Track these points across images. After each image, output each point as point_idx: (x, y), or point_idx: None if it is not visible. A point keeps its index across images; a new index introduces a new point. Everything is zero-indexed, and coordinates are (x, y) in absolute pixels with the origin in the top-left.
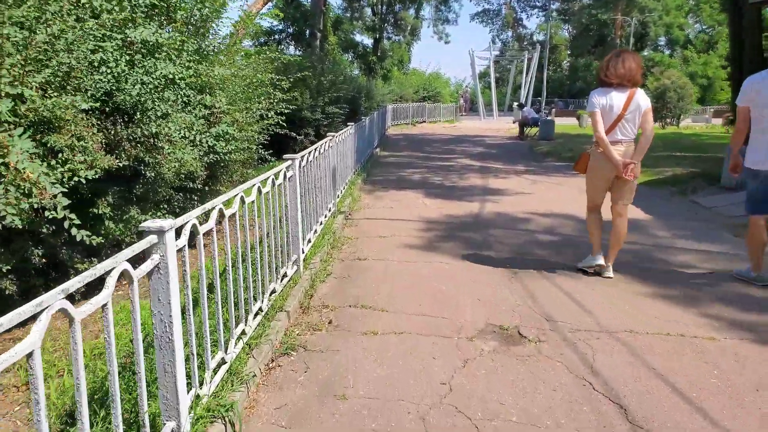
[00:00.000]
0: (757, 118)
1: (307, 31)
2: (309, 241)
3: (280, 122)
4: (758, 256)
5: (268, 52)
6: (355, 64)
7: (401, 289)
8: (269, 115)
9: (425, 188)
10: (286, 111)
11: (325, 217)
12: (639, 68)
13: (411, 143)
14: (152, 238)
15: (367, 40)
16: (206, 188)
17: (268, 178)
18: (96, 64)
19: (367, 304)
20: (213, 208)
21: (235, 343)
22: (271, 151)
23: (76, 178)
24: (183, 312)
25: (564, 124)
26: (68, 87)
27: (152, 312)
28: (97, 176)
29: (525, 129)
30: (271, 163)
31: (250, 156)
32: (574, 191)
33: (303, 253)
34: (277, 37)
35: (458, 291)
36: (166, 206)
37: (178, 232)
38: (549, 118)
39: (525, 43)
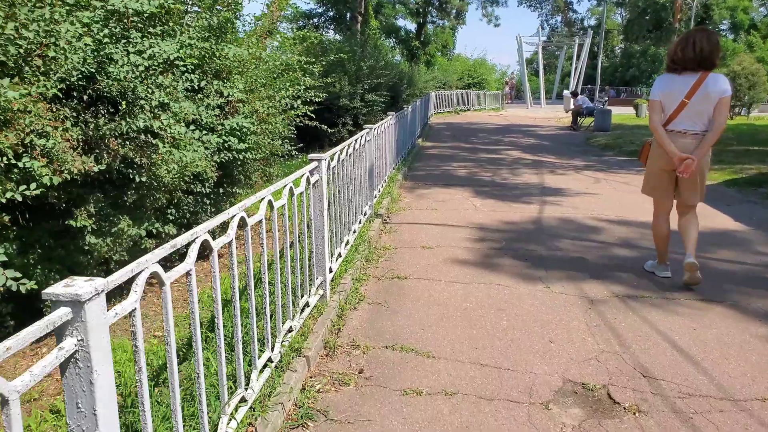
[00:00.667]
0: None
1: (348, 15)
2: (339, 256)
3: (308, 113)
4: None
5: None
6: (397, 49)
7: (451, 322)
8: (296, 105)
9: (473, 186)
10: (320, 98)
11: (360, 223)
12: (715, 50)
13: (455, 133)
14: (62, 313)
15: (410, 25)
16: (220, 190)
17: (285, 187)
18: (70, 40)
19: (408, 344)
20: (193, 239)
21: (228, 421)
22: (302, 144)
23: (33, 189)
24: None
25: (618, 113)
26: (27, 69)
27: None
28: (70, 180)
29: (579, 119)
30: (298, 160)
31: (274, 151)
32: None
33: (331, 272)
34: (315, 20)
35: (524, 327)
36: (174, 212)
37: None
38: (606, 107)
39: (576, 28)
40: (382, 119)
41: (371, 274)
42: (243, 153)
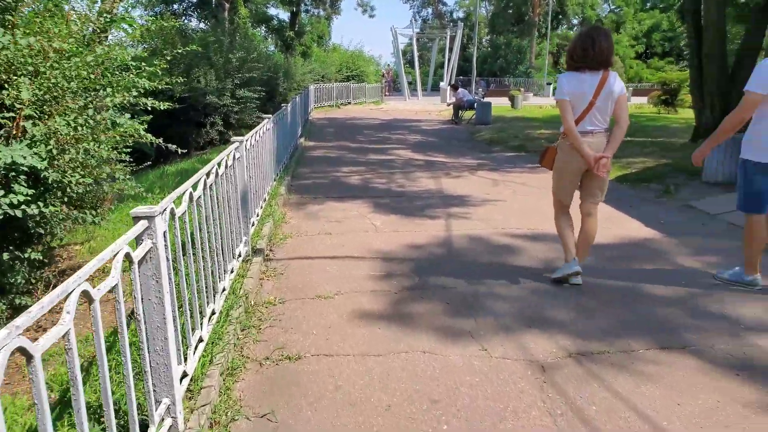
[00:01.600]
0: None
1: (213, 1)
2: (200, 341)
3: (139, 130)
4: (758, 257)
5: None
6: (270, 39)
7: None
8: (120, 123)
9: (369, 197)
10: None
11: (232, 272)
12: (612, 48)
13: (339, 130)
14: None
15: (284, 14)
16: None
17: (70, 292)
18: None
19: None
20: None
21: None
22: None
23: None
24: None
25: (495, 105)
26: None
27: None
28: None
29: (460, 112)
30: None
31: (95, 193)
32: (548, 194)
33: (186, 378)
34: (176, 7)
35: (469, 428)
36: None
37: None
38: (485, 99)
39: (446, 21)
40: (258, 120)
41: (250, 354)
42: (20, 209)
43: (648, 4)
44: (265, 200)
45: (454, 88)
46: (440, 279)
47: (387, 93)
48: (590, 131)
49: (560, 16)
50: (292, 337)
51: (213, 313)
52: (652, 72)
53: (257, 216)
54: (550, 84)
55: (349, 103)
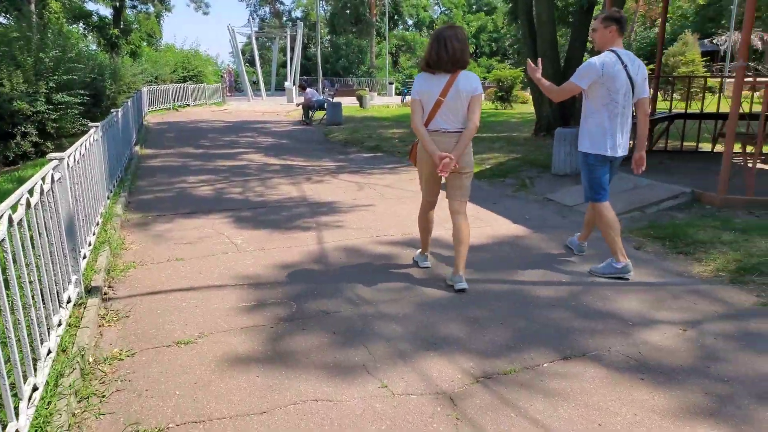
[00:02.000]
0: (607, 103)
1: None
2: None
3: None
4: (619, 241)
5: None
6: (90, 37)
7: None
8: None
9: (225, 210)
10: None
11: (60, 325)
12: (465, 48)
13: (181, 134)
14: None
15: (105, 10)
16: None
17: None
18: None
19: None
20: None
21: None
22: None
23: None
24: None
25: (345, 105)
26: None
27: None
28: None
29: (310, 113)
30: None
31: None
32: (415, 196)
33: None
34: None
35: None
36: None
37: None
38: (335, 99)
39: (285, 20)
40: (84, 128)
41: None
42: None
43: (474, 8)
44: (98, 224)
45: (302, 88)
46: (320, 303)
47: (229, 94)
48: (442, 130)
49: (396, 17)
50: (148, 404)
51: (35, 389)
52: (482, 70)
53: (90, 246)
54: (392, 83)
55: (188, 105)
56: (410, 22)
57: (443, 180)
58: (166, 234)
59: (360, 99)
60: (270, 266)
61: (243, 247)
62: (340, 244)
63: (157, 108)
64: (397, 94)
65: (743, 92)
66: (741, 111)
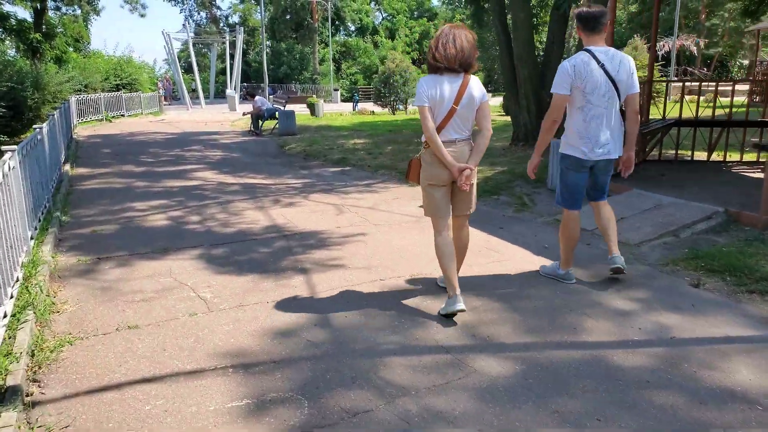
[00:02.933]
0: (582, 106)
1: None
2: None
3: None
4: (570, 253)
5: None
6: (7, 43)
7: None
8: None
9: (185, 246)
10: None
11: None
12: (474, 50)
13: (118, 149)
14: None
15: (24, 12)
16: None
17: None
18: None
19: None
20: None
21: None
22: None
23: None
24: None
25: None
26: None
27: None
28: None
29: (260, 122)
30: None
31: None
32: (409, 221)
33: None
34: None
35: None
36: None
37: None
38: (287, 108)
39: (222, 25)
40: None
41: None
42: None
43: (416, 14)
44: (18, 280)
45: (250, 96)
46: (340, 396)
47: (166, 102)
48: (453, 140)
49: (338, 23)
50: None
51: None
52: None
53: (5, 316)
54: (337, 90)
55: (123, 115)
56: (352, 28)
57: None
58: (112, 286)
59: (311, 107)
60: (256, 333)
61: (215, 303)
62: (340, 293)
63: (88, 119)
64: (344, 100)
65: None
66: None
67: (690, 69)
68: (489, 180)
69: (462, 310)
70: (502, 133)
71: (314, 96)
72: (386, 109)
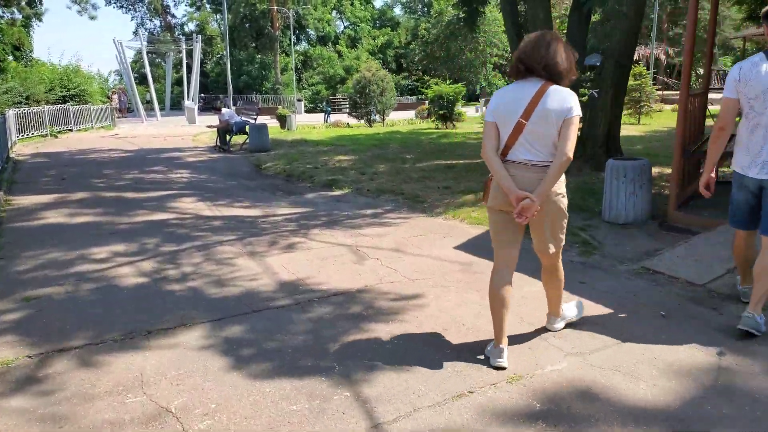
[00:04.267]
0: (747, 113)
1: None
2: None
3: None
4: (746, 270)
5: None
6: None
7: None
8: None
9: (170, 326)
10: None
11: None
12: (569, 59)
13: (65, 172)
14: None
15: None
16: None
17: None
18: None
19: None
20: None
21: None
22: None
23: None
24: None
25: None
26: None
27: None
28: None
29: (228, 137)
30: None
31: None
32: (457, 271)
33: None
34: None
35: None
36: None
37: None
38: (257, 121)
39: (177, 34)
40: None
41: None
42: None
43: (378, 23)
44: None
45: (216, 109)
46: None
47: (120, 115)
48: (524, 162)
49: (298, 31)
50: None
51: None
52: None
53: None
54: (301, 100)
55: (71, 130)
56: (314, 37)
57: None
58: (68, 416)
59: (281, 119)
60: None
61: None
62: (419, 428)
63: (30, 135)
64: (307, 111)
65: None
66: None
67: (661, 78)
68: None
69: (502, 368)
70: None
71: (281, 107)
72: (361, 121)
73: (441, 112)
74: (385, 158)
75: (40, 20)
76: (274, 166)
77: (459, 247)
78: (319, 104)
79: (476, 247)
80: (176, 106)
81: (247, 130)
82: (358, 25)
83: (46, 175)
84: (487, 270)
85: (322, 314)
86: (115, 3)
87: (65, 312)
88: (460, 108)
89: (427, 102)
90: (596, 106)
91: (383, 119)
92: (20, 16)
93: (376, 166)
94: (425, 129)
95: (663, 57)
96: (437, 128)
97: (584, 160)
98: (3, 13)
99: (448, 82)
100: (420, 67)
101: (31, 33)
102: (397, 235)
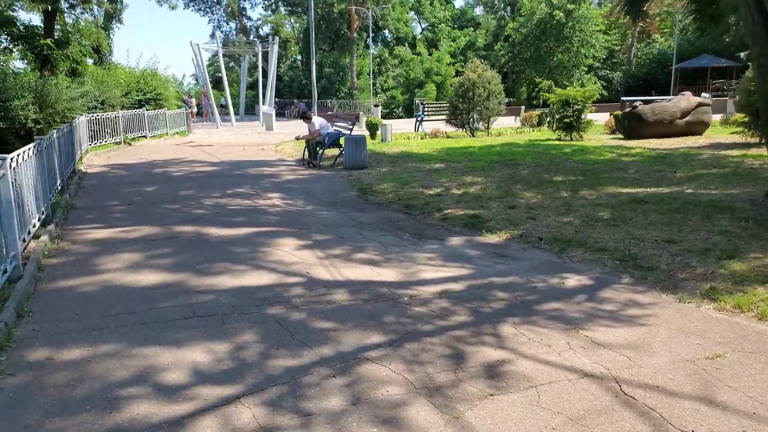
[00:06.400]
0: None
1: None
2: None
3: None
4: None
5: None
6: (15, 52)
7: None
8: None
9: None
10: None
11: None
12: None
13: (136, 192)
14: None
15: (35, 17)
16: None
17: None
18: None
19: None
20: None
21: None
22: None
23: None
24: None
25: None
26: None
27: None
28: None
29: (319, 150)
30: None
31: None
32: None
33: None
34: None
35: None
36: None
37: None
38: (355, 132)
39: (252, 36)
40: None
41: None
42: None
43: (457, 24)
44: None
45: (306, 118)
46: None
47: (193, 120)
48: None
49: (374, 34)
50: None
51: None
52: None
53: None
54: (377, 106)
55: (145, 136)
56: (391, 39)
57: None
58: None
59: (371, 128)
60: None
61: None
62: None
63: (103, 143)
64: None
65: None
66: None
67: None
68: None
69: None
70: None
71: (371, 113)
72: (461, 130)
73: (566, 120)
74: (526, 182)
75: (120, 22)
76: (383, 190)
77: None
78: (422, 111)
79: None
80: (249, 110)
81: (342, 142)
82: (437, 26)
83: (111, 195)
84: None
85: None
86: (193, 6)
87: None
88: (586, 116)
89: (537, 108)
90: None
91: (487, 128)
92: (99, 14)
93: (520, 193)
94: (544, 140)
95: None
96: (559, 140)
97: None
98: (83, 11)
99: (542, 85)
100: (505, 69)
101: (111, 35)
102: (665, 348)
